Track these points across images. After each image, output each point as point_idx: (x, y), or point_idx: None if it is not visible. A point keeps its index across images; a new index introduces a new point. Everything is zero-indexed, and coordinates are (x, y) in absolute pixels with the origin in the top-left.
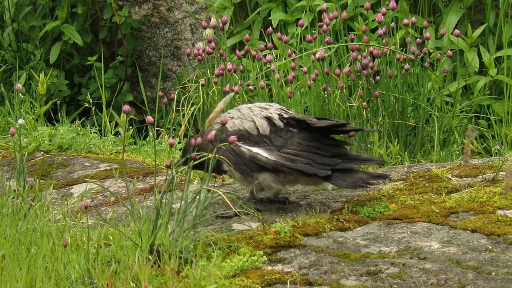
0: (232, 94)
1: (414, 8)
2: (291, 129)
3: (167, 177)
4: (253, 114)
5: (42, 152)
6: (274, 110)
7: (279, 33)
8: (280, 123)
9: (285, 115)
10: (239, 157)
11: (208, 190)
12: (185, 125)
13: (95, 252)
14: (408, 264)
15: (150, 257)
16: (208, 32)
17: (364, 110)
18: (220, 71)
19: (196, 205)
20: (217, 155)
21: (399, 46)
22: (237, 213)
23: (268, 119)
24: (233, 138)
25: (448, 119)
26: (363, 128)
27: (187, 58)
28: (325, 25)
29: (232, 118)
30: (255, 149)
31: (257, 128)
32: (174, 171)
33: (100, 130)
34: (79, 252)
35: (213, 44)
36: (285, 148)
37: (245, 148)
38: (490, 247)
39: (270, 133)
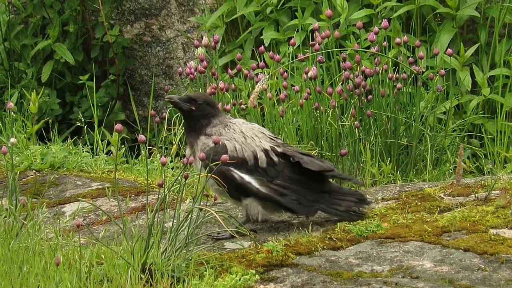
0: (267, 76)
1: (407, 27)
2: (282, 160)
3: (159, 196)
4: (255, 144)
5: (34, 171)
6: (265, 141)
7: (271, 52)
8: (276, 159)
9: (278, 149)
10: (228, 181)
11: (200, 209)
12: (177, 143)
13: (87, 270)
14: (400, 283)
15: (142, 276)
16: (200, 51)
17: (357, 129)
18: (212, 90)
19: (188, 224)
20: (209, 174)
21: (391, 65)
22: (232, 234)
23: (266, 151)
24: (225, 157)
25: (441, 138)
26: (347, 176)
27: (179, 77)
28: (317, 44)
29: (235, 141)
30: (247, 178)
31: (256, 159)
32: (166, 190)
33: (92, 149)
34: (71, 271)
35: (205, 63)
36: (276, 180)
37: (236, 173)
38: (483, 266)
39: (267, 165)
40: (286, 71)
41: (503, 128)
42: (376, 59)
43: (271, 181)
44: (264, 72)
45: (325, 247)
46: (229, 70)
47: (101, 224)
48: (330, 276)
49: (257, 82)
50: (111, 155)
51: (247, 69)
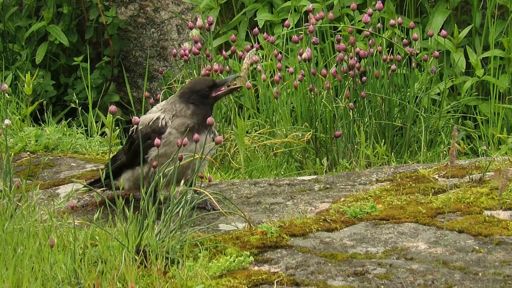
0: (253, 49)
1: (401, 8)
2: None
3: (155, 177)
4: None
5: (28, 153)
6: None
7: (265, 34)
8: None
9: None
10: None
11: (195, 191)
12: None
13: (81, 252)
14: (395, 264)
15: (137, 258)
16: (194, 32)
17: (351, 110)
18: (207, 71)
19: (183, 206)
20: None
21: (385, 47)
22: (224, 213)
23: None
24: (219, 138)
25: (435, 120)
26: None
27: (173, 58)
28: (311, 26)
29: None
30: None
31: None
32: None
33: (86, 131)
34: (65, 253)
35: (199, 44)
36: None
37: None
38: (477, 247)
39: None
40: (281, 52)
41: (497, 110)
42: (370, 40)
43: None
44: (252, 46)
45: (319, 228)
46: (224, 52)
47: (95, 205)
48: (325, 257)
49: (251, 64)
50: (106, 136)
51: (241, 50)
